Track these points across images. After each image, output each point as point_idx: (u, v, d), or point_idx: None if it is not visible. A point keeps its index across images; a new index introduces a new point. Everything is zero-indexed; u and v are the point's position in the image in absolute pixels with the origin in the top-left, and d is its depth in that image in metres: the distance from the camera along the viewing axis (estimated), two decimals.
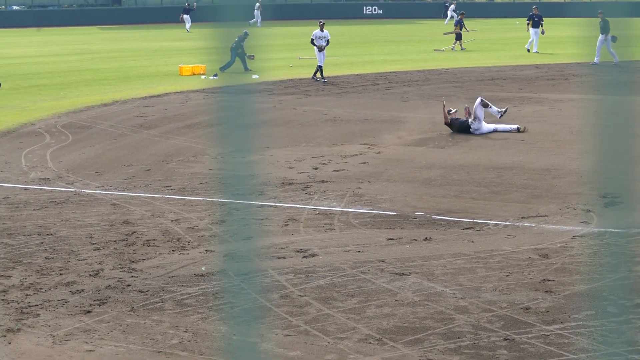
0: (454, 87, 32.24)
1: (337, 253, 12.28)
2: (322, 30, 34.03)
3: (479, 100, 22.37)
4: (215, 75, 35.81)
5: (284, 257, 12.08)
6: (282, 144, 20.58)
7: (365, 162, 18.66)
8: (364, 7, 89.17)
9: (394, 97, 29.74)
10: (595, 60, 38.67)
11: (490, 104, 22.60)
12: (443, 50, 48.63)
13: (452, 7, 71.05)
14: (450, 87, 32.29)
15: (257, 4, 69.75)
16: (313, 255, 12.19)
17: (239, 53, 36.92)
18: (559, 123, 23.36)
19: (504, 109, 23.03)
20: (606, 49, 38.05)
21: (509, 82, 33.36)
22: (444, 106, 22.38)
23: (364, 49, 50.41)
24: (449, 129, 22.16)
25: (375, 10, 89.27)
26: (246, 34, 36.99)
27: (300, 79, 35.06)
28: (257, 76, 35.63)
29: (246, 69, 37.12)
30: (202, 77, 36.09)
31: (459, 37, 49.86)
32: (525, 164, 18.24)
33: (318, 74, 34.17)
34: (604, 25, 37.75)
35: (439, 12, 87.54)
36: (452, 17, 67.49)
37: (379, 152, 19.77)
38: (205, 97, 30.14)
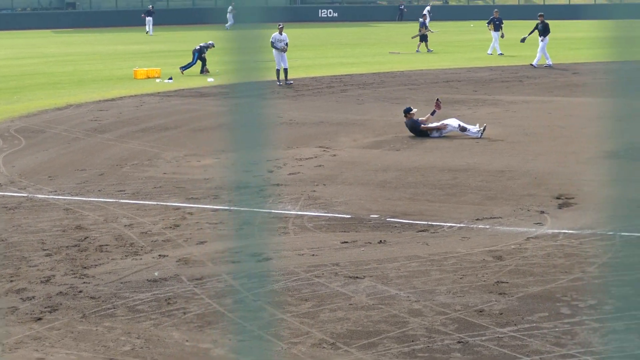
0: (409, 89, 32.34)
1: (291, 257, 12.22)
2: (280, 33, 33.84)
3: (457, 124, 21.75)
4: (170, 78, 35.68)
5: (238, 262, 12.00)
6: (236, 147, 20.43)
7: (320, 165, 18.63)
8: (320, 10, 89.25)
9: (350, 99, 29.75)
10: (548, 62, 39.01)
11: (467, 127, 21.65)
12: (399, 53, 48.71)
13: (428, 8, 70.29)
14: (406, 89, 32.38)
15: (230, 7, 69.51)
16: (267, 259, 12.09)
17: (201, 57, 37.10)
18: (513, 125, 23.48)
19: (482, 128, 21.52)
20: (545, 50, 38.72)
21: (463, 84, 33.52)
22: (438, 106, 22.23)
23: (320, 51, 50.40)
24: (407, 130, 22.05)
25: (330, 13, 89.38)
26: (211, 45, 37.09)
27: (257, 82, 34.86)
28: (212, 79, 35.50)
29: (202, 72, 37.23)
30: (157, 80, 35.86)
31: (423, 39, 49.89)
32: (480, 165, 18.30)
33: (282, 76, 33.85)
34: (543, 28, 38.51)
35: (394, 15, 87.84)
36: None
37: (334, 155, 19.75)
38: (160, 101, 29.96)
